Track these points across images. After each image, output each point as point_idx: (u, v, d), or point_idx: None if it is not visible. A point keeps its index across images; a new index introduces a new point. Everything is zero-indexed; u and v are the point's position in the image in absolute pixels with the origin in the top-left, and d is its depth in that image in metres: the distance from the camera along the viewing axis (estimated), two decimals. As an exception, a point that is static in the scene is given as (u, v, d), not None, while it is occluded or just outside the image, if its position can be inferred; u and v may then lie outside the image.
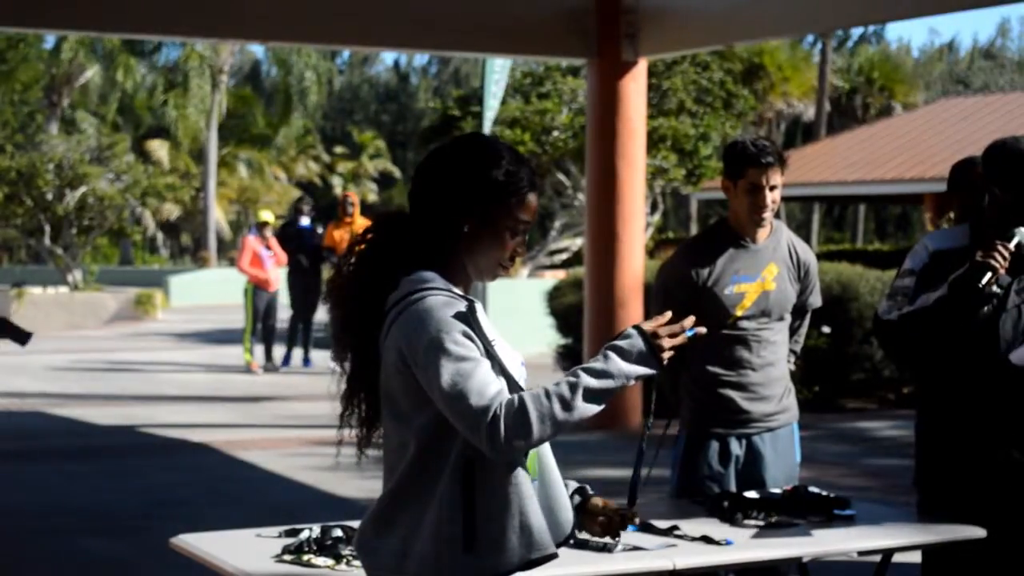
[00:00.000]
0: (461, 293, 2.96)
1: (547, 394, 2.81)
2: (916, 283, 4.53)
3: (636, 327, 2.90)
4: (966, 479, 4.54)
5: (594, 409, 2.83)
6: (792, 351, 5.26)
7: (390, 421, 3.01)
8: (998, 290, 4.41)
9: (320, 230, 17.40)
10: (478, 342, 2.87)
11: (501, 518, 2.91)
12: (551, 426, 2.80)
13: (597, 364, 2.86)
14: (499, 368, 2.90)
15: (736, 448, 5.03)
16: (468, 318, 2.87)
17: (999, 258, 4.33)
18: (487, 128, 15.86)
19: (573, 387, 2.82)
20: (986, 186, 4.49)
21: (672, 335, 2.91)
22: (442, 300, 2.90)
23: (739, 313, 4.99)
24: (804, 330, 5.33)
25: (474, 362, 2.84)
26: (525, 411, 2.78)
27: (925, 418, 4.67)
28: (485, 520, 2.90)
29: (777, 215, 5.20)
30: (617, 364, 2.85)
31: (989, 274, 4.33)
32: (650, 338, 2.88)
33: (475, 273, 3.02)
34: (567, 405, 2.80)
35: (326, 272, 18.51)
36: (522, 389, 2.93)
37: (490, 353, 2.89)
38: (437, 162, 3.03)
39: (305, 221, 17.57)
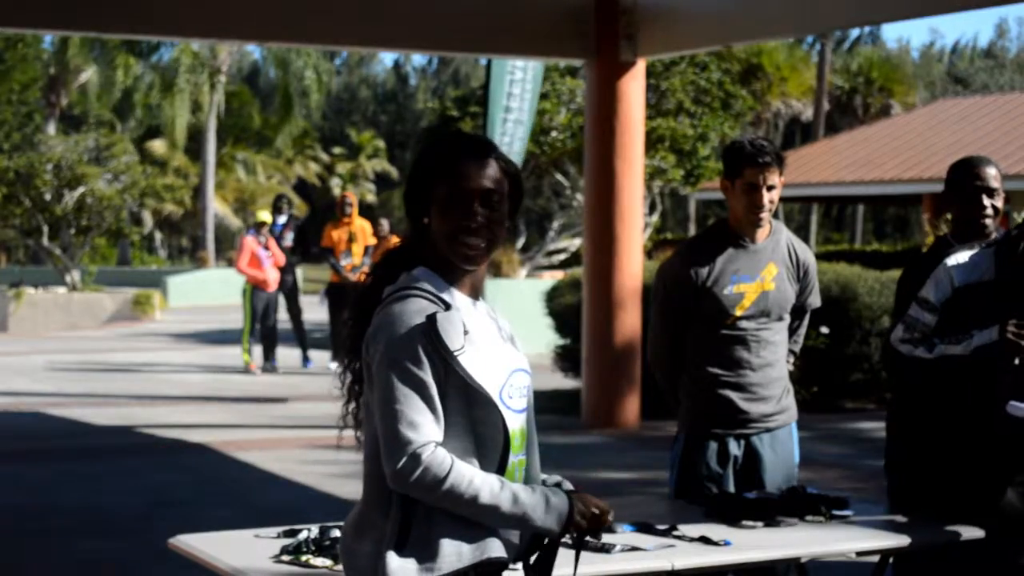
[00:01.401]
0: (443, 297, 2.95)
1: (470, 481, 2.85)
2: (937, 322, 4.54)
3: (570, 496, 2.97)
4: (935, 469, 4.62)
5: (490, 520, 2.90)
6: (791, 351, 5.26)
7: (365, 417, 3.04)
8: (1018, 363, 4.45)
9: (289, 229, 17.43)
10: (436, 357, 2.88)
11: (439, 521, 2.89)
12: (450, 502, 2.86)
13: (523, 494, 2.90)
14: (463, 381, 2.90)
15: (735, 448, 5.04)
16: (429, 331, 2.88)
17: None
18: (495, 133, 15.79)
19: (493, 495, 2.87)
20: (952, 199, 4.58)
21: (592, 519, 2.98)
22: (416, 306, 2.91)
23: (738, 313, 5.00)
24: (803, 330, 5.34)
25: (417, 388, 2.86)
26: (446, 478, 2.83)
27: (899, 412, 4.76)
28: (422, 523, 2.89)
29: (776, 215, 5.21)
30: (535, 508, 2.91)
31: (1017, 360, 4.40)
32: (574, 508, 2.95)
33: (455, 260, 3.00)
34: (475, 502, 2.86)
35: (314, 271, 18.45)
36: (490, 399, 2.92)
37: (448, 367, 2.89)
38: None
39: (281, 219, 17.60)
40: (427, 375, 2.87)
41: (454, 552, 2.89)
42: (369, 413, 2.98)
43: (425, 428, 2.85)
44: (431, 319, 2.88)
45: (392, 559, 2.87)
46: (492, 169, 3.00)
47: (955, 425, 4.59)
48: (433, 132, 24.97)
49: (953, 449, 4.60)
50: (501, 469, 2.94)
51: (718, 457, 5.03)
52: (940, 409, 4.63)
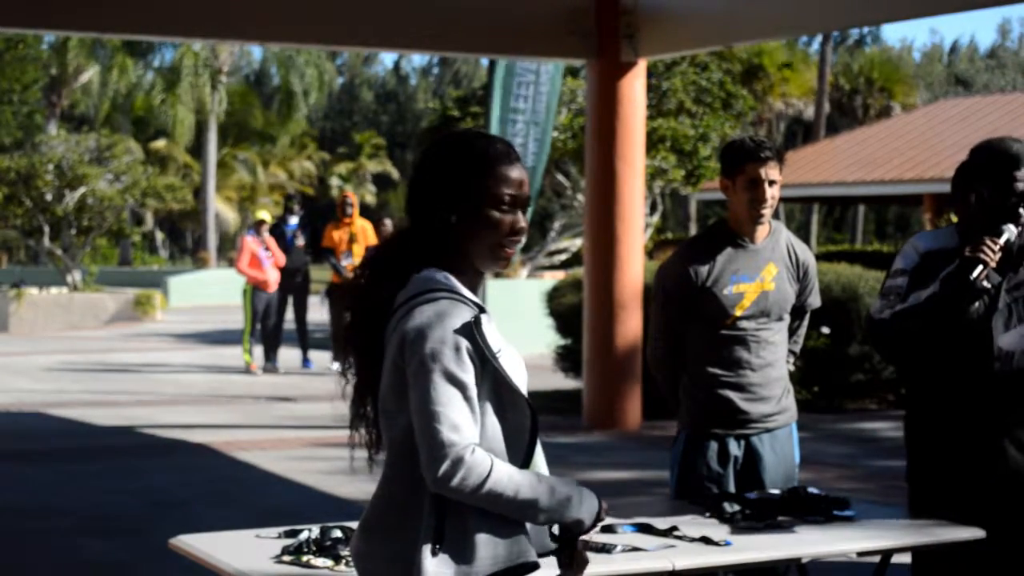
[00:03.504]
0: (473, 299, 2.96)
1: (510, 477, 2.86)
2: (908, 282, 4.56)
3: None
4: (956, 475, 4.58)
5: (527, 516, 2.91)
6: (791, 351, 5.26)
7: (381, 419, 3.02)
8: (988, 285, 4.45)
9: (302, 229, 17.45)
10: (476, 359, 2.87)
11: (473, 524, 2.88)
12: (491, 501, 2.85)
13: (559, 486, 2.93)
14: (497, 383, 2.90)
15: (735, 449, 5.03)
16: (474, 330, 2.87)
17: (988, 252, 4.38)
18: (494, 129, 15.79)
19: (533, 490, 2.88)
20: (974, 187, 4.53)
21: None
22: (454, 308, 2.89)
23: (738, 313, 4.99)
24: (803, 331, 5.33)
25: (462, 390, 2.85)
26: (488, 478, 2.83)
27: (914, 414, 4.71)
28: (456, 525, 2.88)
29: (776, 215, 5.21)
30: (570, 499, 2.94)
31: (980, 268, 4.38)
32: (600, 505, 3.01)
33: (480, 263, 3.00)
34: (515, 499, 2.86)
35: (318, 272, 18.45)
36: (527, 400, 2.93)
37: (487, 366, 2.89)
38: (419, 164, 3.08)
39: (293, 220, 17.60)
40: (469, 377, 2.86)
41: (490, 555, 2.88)
42: (390, 413, 2.96)
43: (466, 430, 2.83)
44: (476, 321, 2.87)
45: (428, 562, 2.85)
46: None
47: (952, 382, 4.55)
48: (435, 132, 24.94)
49: (965, 442, 4.55)
50: (524, 468, 2.96)
51: (718, 457, 5.03)
52: (935, 367, 4.59)
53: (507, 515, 2.89)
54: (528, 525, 2.97)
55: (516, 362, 2.98)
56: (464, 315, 2.88)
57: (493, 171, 2.97)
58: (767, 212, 4.97)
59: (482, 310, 2.92)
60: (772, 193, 4.94)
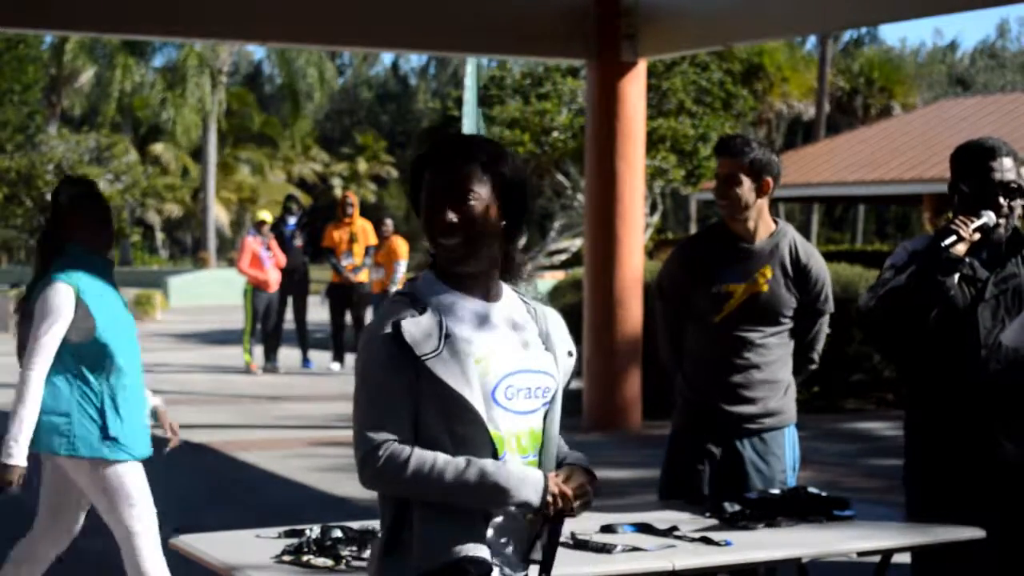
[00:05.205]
0: (429, 301, 2.93)
1: (432, 464, 2.86)
2: (894, 275, 4.62)
3: (545, 474, 2.97)
4: (952, 474, 4.58)
5: (466, 501, 2.88)
6: (808, 358, 5.16)
7: None
8: (965, 259, 4.52)
9: (301, 230, 17.48)
10: (405, 362, 2.87)
11: (423, 521, 2.90)
12: (420, 490, 2.87)
13: (491, 468, 2.88)
14: (432, 386, 2.88)
15: (715, 449, 5.01)
16: (396, 337, 2.87)
17: (961, 225, 4.49)
18: (466, 129, 15.87)
19: (458, 473, 2.86)
20: (957, 185, 4.66)
21: (563, 495, 2.96)
22: (393, 310, 2.93)
23: (725, 312, 4.97)
24: (820, 336, 5.18)
25: (383, 389, 2.88)
26: (406, 466, 2.85)
27: (912, 416, 4.73)
28: (408, 524, 2.91)
29: (776, 215, 5.19)
30: (508, 480, 2.89)
31: (952, 237, 4.47)
32: (547, 483, 2.94)
33: (439, 260, 2.99)
34: (441, 483, 2.85)
35: (318, 272, 18.40)
36: (464, 402, 2.88)
37: (420, 372, 2.87)
38: None
39: (291, 220, 17.62)
40: (393, 376, 2.88)
41: (430, 553, 2.88)
42: None
43: (387, 428, 2.88)
44: (396, 326, 2.88)
45: (380, 562, 2.94)
46: (468, 167, 2.93)
47: (941, 377, 4.57)
48: (433, 132, 24.98)
49: (961, 441, 4.56)
50: None
51: (699, 457, 5.01)
52: (925, 361, 4.62)
53: (448, 502, 2.87)
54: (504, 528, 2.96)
55: (483, 359, 2.92)
56: (400, 315, 2.90)
57: (425, 171, 2.99)
58: (726, 205, 4.95)
59: (424, 310, 2.90)
60: (735, 191, 4.92)
